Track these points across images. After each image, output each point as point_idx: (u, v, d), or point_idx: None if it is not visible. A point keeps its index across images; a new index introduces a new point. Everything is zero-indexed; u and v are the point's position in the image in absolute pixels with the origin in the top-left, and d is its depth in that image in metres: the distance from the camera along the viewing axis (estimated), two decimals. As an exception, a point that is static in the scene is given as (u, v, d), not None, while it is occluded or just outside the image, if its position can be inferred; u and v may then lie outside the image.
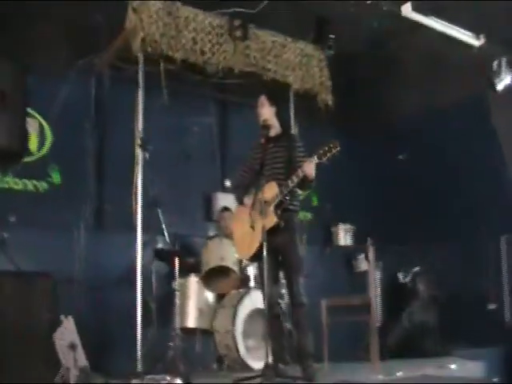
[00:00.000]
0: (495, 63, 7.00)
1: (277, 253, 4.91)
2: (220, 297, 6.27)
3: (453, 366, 5.41)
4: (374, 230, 8.02)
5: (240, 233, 5.20)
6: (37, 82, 6.17)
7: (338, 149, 4.62)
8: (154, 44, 6.13)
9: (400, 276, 6.80)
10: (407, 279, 6.79)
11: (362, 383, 4.59)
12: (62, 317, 4.83)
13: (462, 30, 6.74)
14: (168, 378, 4.93)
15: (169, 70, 6.48)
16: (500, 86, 6.98)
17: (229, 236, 6.56)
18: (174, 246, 6.20)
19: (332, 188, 8.14)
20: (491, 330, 7.20)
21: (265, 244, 4.67)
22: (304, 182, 4.81)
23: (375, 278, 7.55)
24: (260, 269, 4.99)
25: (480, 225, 7.67)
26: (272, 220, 4.80)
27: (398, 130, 8.50)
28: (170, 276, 6.24)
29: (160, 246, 6.55)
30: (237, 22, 6.63)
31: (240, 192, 5.30)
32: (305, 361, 4.83)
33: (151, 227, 6.13)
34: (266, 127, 5.12)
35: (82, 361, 4.68)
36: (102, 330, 6.32)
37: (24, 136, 5.54)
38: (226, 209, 7.02)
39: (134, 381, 4.97)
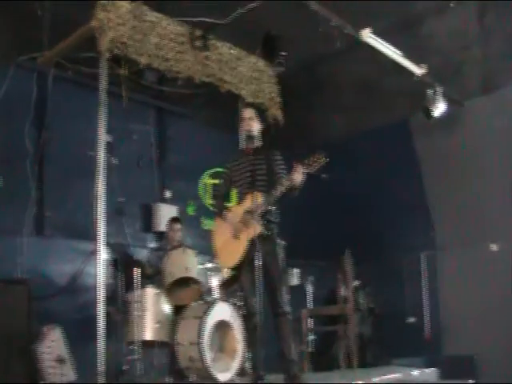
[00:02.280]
0: (430, 91, 7.48)
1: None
2: (176, 308, 6.13)
3: (415, 373, 5.74)
4: (301, 246, 8.28)
5: (222, 242, 5.17)
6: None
7: (324, 159, 4.79)
8: (121, 46, 5.93)
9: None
10: (346, 292, 7.02)
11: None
12: (45, 328, 4.48)
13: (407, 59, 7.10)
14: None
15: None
16: (436, 113, 7.46)
17: (176, 247, 6.50)
18: (132, 256, 6.02)
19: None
20: (413, 341, 7.74)
21: (257, 252, 4.68)
22: (289, 192, 4.90)
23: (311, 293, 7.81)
24: (243, 278, 5.01)
25: (401, 242, 8.19)
26: (257, 229, 4.84)
27: (326, 150, 8.77)
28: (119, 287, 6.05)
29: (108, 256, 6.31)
30: (198, 32, 6.58)
31: (220, 202, 5.31)
32: (290, 369, 4.88)
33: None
34: (251, 138, 5.16)
35: (71, 376, 4.38)
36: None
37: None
38: (174, 219, 6.89)
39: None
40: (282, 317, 4.94)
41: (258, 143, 5.22)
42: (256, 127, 5.22)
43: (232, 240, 5.05)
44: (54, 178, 6.80)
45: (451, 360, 7.00)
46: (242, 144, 5.35)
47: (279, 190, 4.86)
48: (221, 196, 5.35)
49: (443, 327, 7.89)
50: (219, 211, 5.24)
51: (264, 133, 5.34)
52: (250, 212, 4.90)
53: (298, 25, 7.03)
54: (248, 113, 5.26)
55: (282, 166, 5.17)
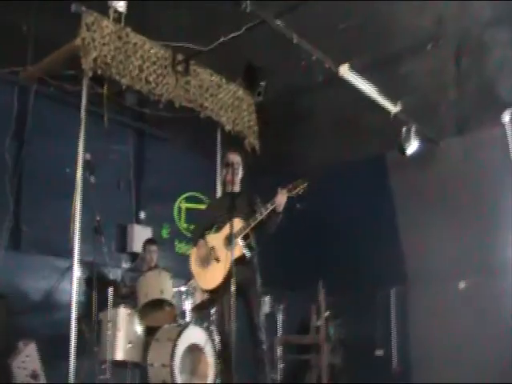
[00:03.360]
0: (404, 129, 7.59)
1: (238, 290, 4.88)
2: (149, 329, 6.09)
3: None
4: (272, 275, 8.31)
5: (201, 266, 5.20)
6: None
7: (307, 184, 4.91)
8: (104, 66, 5.98)
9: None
10: (319, 322, 7.06)
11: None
12: (21, 343, 4.44)
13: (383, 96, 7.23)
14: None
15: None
16: (409, 151, 7.55)
17: (151, 269, 6.51)
18: (106, 276, 6.00)
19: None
20: (382, 374, 7.79)
21: (234, 272, 4.72)
22: (271, 217, 4.99)
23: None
24: (221, 302, 5.03)
25: (373, 275, 8.26)
26: (239, 250, 4.91)
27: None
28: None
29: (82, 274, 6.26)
30: (179, 57, 6.67)
31: (198, 233, 5.38)
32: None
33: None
34: (235, 183, 5.30)
35: (43, 391, 4.34)
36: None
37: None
38: (150, 241, 6.91)
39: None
40: (259, 344, 4.99)
41: (239, 188, 5.36)
42: (240, 173, 5.35)
43: (212, 263, 5.11)
44: (32, 193, 6.77)
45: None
46: (226, 187, 5.42)
47: (263, 212, 4.93)
48: (200, 229, 5.39)
49: (412, 361, 7.96)
50: (196, 241, 5.29)
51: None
52: (229, 237, 4.95)
53: (278, 56, 7.12)
54: (235, 158, 5.35)
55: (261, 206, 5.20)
